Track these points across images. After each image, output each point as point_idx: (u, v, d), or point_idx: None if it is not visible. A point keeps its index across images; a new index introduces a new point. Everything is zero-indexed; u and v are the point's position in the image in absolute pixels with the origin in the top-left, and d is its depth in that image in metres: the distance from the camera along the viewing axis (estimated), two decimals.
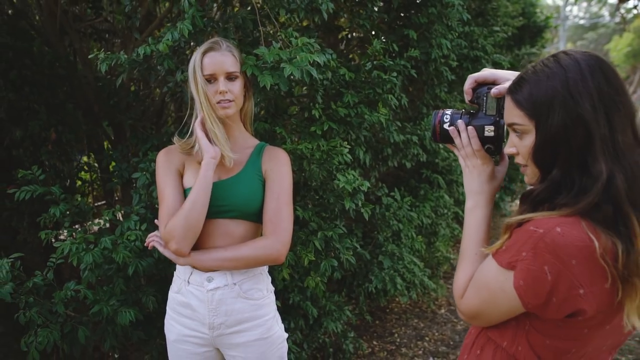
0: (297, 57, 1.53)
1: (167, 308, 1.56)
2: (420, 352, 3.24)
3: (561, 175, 0.89)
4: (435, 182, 3.09)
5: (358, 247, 2.40)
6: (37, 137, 2.42)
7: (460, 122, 1.12)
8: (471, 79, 1.12)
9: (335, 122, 2.06)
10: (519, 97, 0.93)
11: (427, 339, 3.41)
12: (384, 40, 2.27)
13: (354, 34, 2.67)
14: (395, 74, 2.13)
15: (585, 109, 0.85)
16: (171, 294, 1.55)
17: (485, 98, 1.09)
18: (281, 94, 2.09)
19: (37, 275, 1.76)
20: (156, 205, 2.03)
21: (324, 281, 2.15)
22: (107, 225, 2.13)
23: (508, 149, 1.00)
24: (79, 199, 2.62)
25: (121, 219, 2.01)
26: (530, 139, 0.93)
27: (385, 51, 2.27)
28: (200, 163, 1.43)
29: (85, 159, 3.12)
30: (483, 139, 1.10)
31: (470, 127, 1.10)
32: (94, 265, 1.73)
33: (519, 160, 0.99)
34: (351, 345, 2.74)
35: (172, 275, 1.59)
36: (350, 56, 2.61)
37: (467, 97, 1.13)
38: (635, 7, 8.85)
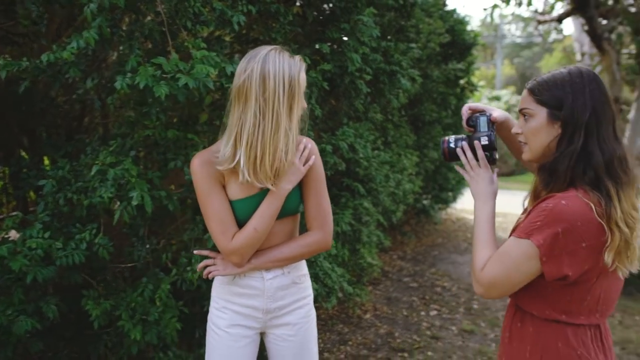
0: (195, 68, 1.59)
1: (216, 298, 1.63)
2: (342, 356, 3.33)
3: (558, 150, 1.23)
4: (356, 190, 3.20)
5: None
6: None
7: (464, 144, 1.42)
8: (466, 107, 1.47)
9: None
10: (534, 89, 1.27)
11: (350, 343, 3.51)
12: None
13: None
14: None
15: (579, 104, 1.21)
16: (221, 286, 1.62)
17: (478, 120, 1.42)
18: (193, 103, 2.13)
19: None
20: (64, 212, 2.01)
21: None
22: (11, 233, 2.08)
23: (514, 129, 1.34)
24: None
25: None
26: (534, 122, 1.26)
27: None
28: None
29: None
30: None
31: (476, 142, 1.40)
32: None
33: (521, 138, 1.32)
34: None
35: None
36: None
37: (464, 120, 1.46)
38: (553, 29, 9.51)
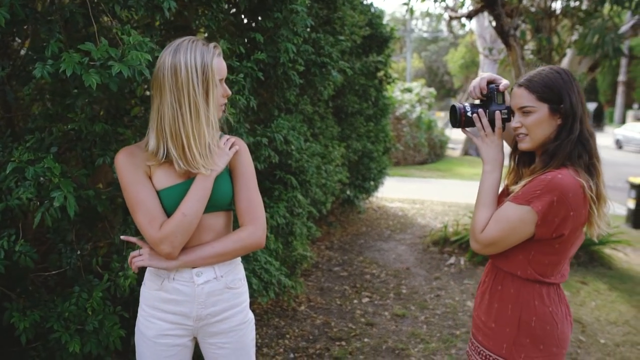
0: (128, 55, 1.46)
1: (143, 305, 1.56)
2: (282, 350, 3.30)
3: (559, 138, 1.43)
4: (289, 183, 3.17)
5: None
6: None
7: (480, 111, 1.55)
8: (484, 80, 1.56)
9: None
10: (532, 87, 1.45)
11: (287, 336, 3.49)
12: (230, 42, 2.27)
13: (205, 34, 2.63)
14: (242, 75, 2.14)
15: (574, 99, 1.43)
16: (149, 292, 1.55)
17: (495, 93, 1.55)
18: (123, 94, 1.97)
19: None
20: None
21: None
22: None
23: (514, 124, 1.50)
24: None
25: None
26: (533, 117, 1.45)
27: (233, 52, 2.27)
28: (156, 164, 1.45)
29: None
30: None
31: (497, 112, 1.53)
32: None
33: (522, 131, 1.48)
34: None
35: None
36: None
37: (482, 92, 1.56)
38: (463, 25, 10.15)
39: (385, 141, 7.47)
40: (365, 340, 3.47)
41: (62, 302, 1.88)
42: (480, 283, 1.67)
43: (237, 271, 1.61)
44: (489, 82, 1.57)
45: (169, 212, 1.46)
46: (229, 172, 1.57)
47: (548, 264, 1.47)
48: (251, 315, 1.66)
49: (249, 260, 2.68)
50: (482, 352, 1.57)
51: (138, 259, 1.49)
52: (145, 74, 1.52)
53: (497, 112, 1.54)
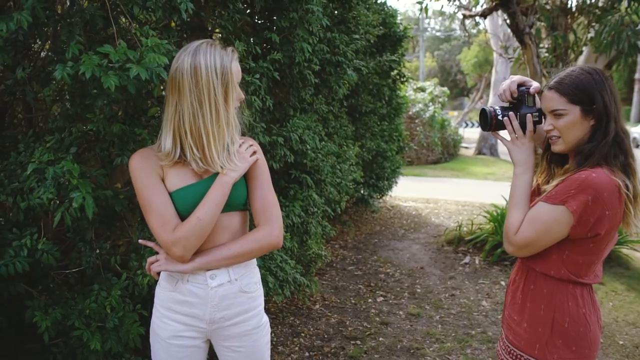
0: (146, 57, 1.48)
1: (158, 306, 1.56)
2: (297, 348, 3.32)
3: (594, 139, 1.41)
4: (304, 182, 3.18)
5: None
6: None
7: (511, 114, 1.54)
8: (515, 83, 1.55)
9: None
10: (563, 90, 1.42)
11: (302, 335, 3.50)
12: (246, 42, 2.28)
13: (220, 35, 2.65)
14: (257, 75, 2.15)
15: (607, 99, 1.40)
16: (163, 292, 1.54)
17: (526, 95, 1.54)
18: (141, 95, 2.00)
19: None
20: None
21: None
22: None
23: (546, 127, 1.48)
24: None
25: None
26: (565, 119, 1.42)
27: (249, 53, 2.28)
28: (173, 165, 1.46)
29: None
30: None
31: (529, 115, 1.52)
32: None
33: (554, 133, 1.46)
34: None
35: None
36: None
37: (513, 95, 1.55)
38: (477, 23, 10.09)
39: (399, 140, 7.44)
40: (380, 339, 3.47)
41: (82, 300, 1.91)
42: (510, 281, 1.66)
43: (252, 274, 1.59)
44: (520, 85, 1.56)
45: (182, 212, 1.45)
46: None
47: (582, 264, 1.45)
48: (266, 318, 1.64)
49: (265, 258, 2.70)
50: (512, 351, 1.55)
51: (155, 265, 1.48)
52: (163, 76, 1.53)
53: (529, 115, 1.53)
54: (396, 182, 7.55)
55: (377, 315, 3.87)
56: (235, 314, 1.54)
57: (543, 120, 1.53)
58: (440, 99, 14.43)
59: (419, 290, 4.43)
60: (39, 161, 1.75)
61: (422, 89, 14.18)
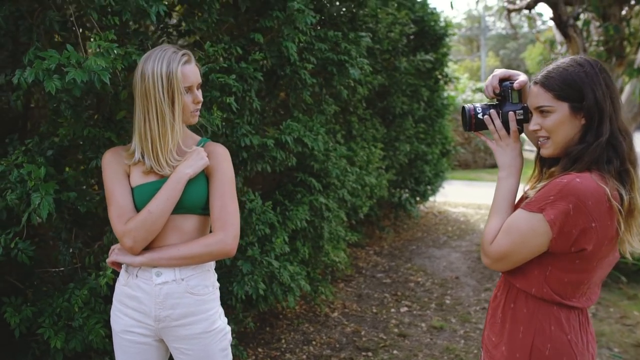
0: (87, 61, 1.49)
1: (114, 300, 1.61)
2: (304, 356, 3.23)
3: (585, 140, 1.23)
4: (311, 185, 3.09)
5: None
6: None
7: (493, 112, 1.39)
8: (496, 77, 1.40)
9: None
10: (549, 84, 1.25)
11: (313, 343, 3.40)
12: (226, 43, 2.24)
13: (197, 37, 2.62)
14: (233, 76, 2.11)
15: (599, 94, 1.21)
16: (118, 286, 1.60)
17: (509, 91, 1.38)
18: (117, 99, 2.02)
19: None
20: None
21: None
22: None
23: (532, 127, 1.31)
24: None
25: None
26: (552, 118, 1.25)
27: (230, 54, 2.25)
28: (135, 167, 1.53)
29: None
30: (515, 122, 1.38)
31: (511, 113, 1.37)
32: None
33: (541, 134, 1.29)
34: None
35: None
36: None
37: (494, 91, 1.40)
38: (530, 18, 9.48)
39: (444, 143, 7.15)
40: (394, 352, 3.29)
41: (57, 298, 1.95)
42: (491, 297, 1.47)
43: (203, 277, 1.58)
44: (503, 80, 1.41)
45: (139, 208, 1.50)
46: (206, 176, 1.58)
47: (568, 283, 1.26)
48: (221, 325, 1.62)
49: (259, 263, 2.64)
50: None
51: (110, 255, 1.56)
52: (104, 79, 1.54)
53: (511, 113, 1.38)
54: (441, 187, 7.26)
55: (397, 327, 3.69)
56: (180, 315, 1.54)
57: (530, 118, 1.36)
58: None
59: (447, 302, 4.18)
60: (7, 164, 1.81)
61: (481, 89, 13.58)
